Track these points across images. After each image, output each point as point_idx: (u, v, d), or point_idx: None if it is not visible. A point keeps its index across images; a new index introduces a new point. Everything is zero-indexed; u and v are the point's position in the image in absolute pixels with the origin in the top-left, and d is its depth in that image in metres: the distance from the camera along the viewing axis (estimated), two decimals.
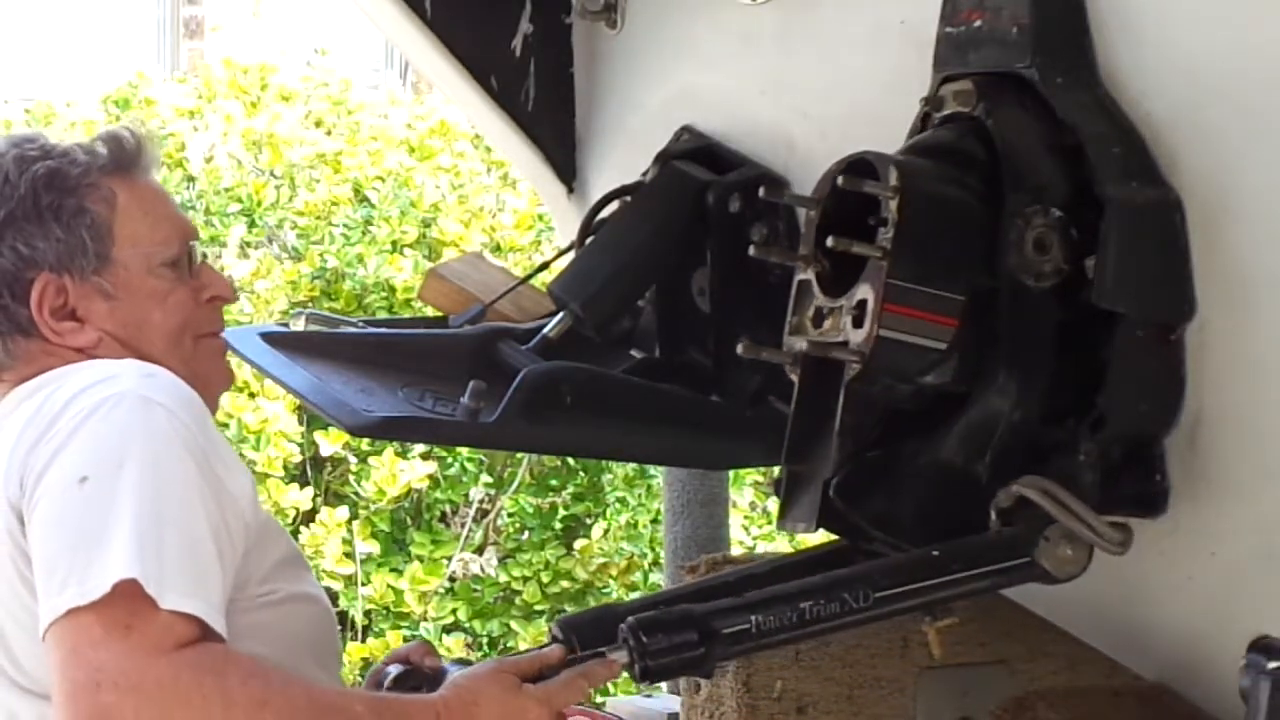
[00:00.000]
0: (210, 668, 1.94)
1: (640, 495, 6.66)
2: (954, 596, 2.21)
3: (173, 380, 2.15)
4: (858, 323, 2.21)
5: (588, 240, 3.08)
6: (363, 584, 6.34)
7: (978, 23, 2.35)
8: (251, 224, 7.52)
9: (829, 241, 2.22)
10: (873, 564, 2.23)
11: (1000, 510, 2.22)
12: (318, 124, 8.28)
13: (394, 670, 2.25)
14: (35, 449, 2.07)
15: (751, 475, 6.87)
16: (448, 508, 6.78)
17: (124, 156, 2.31)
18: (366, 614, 6.36)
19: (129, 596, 1.94)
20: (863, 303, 2.21)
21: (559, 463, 6.69)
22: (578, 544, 6.59)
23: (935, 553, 2.21)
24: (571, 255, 3.12)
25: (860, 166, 2.26)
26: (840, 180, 2.24)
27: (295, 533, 6.24)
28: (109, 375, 2.13)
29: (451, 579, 6.60)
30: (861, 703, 2.54)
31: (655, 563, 6.45)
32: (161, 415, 2.07)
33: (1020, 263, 2.21)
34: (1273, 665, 2.01)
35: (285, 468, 6.66)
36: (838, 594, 2.15)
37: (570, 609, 6.58)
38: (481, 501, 6.80)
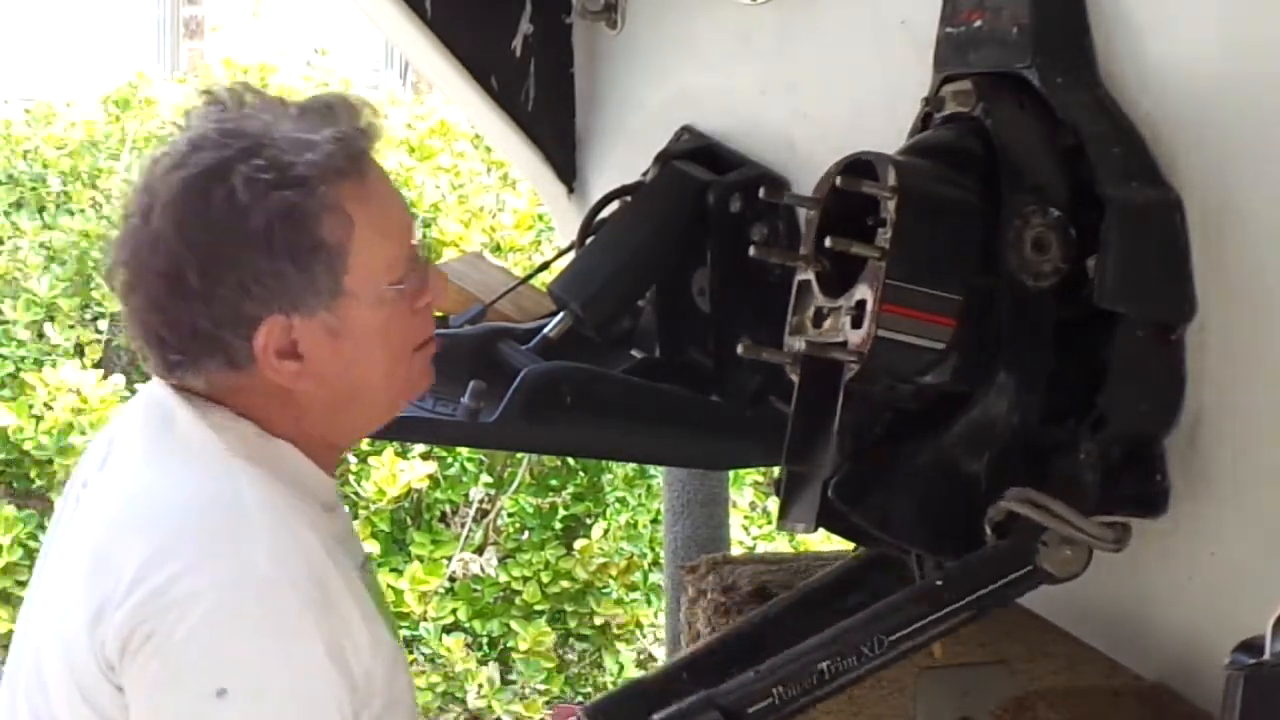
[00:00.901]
0: None
1: (640, 495, 6.66)
2: (967, 620, 2.22)
3: (297, 538, 1.98)
4: (856, 323, 2.21)
5: (588, 240, 3.08)
6: None
7: (978, 23, 2.35)
8: None
9: (828, 242, 2.22)
10: (879, 607, 2.23)
11: (994, 525, 2.23)
12: None
13: None
14: (142, 606, 1.93)
15: (751, 475, 6.87)
16: (448, 508, 6.79)
17: (356, 152, 2.04)
18: None
19: None
20: (861, 303, 2.21)
21: (559, 463, 6.69)
22: (578, 544, 6.60)
23: (938, 582, 2.22)
24: (571, 255, 3.12)
25: (859, 167, 2.26)
26: (839, 180, 2.24)
27: None
28: (229, 541, 1.96)
29: (451, 579, 6.61)
30: (861, 703, 2.54)
31: (655, 563, 6.46)
32: (294, 605, 1.93)
33: (1019, 263, 2.21)
34: (1249, 663, 2.00)
35: None
36: (853, 646, 2.17)
37: (570, 609, 6.59)
38: (481, 501, 6.80)
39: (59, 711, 2.00)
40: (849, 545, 2.47)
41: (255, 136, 2.00)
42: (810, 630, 2.25)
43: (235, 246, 1.97)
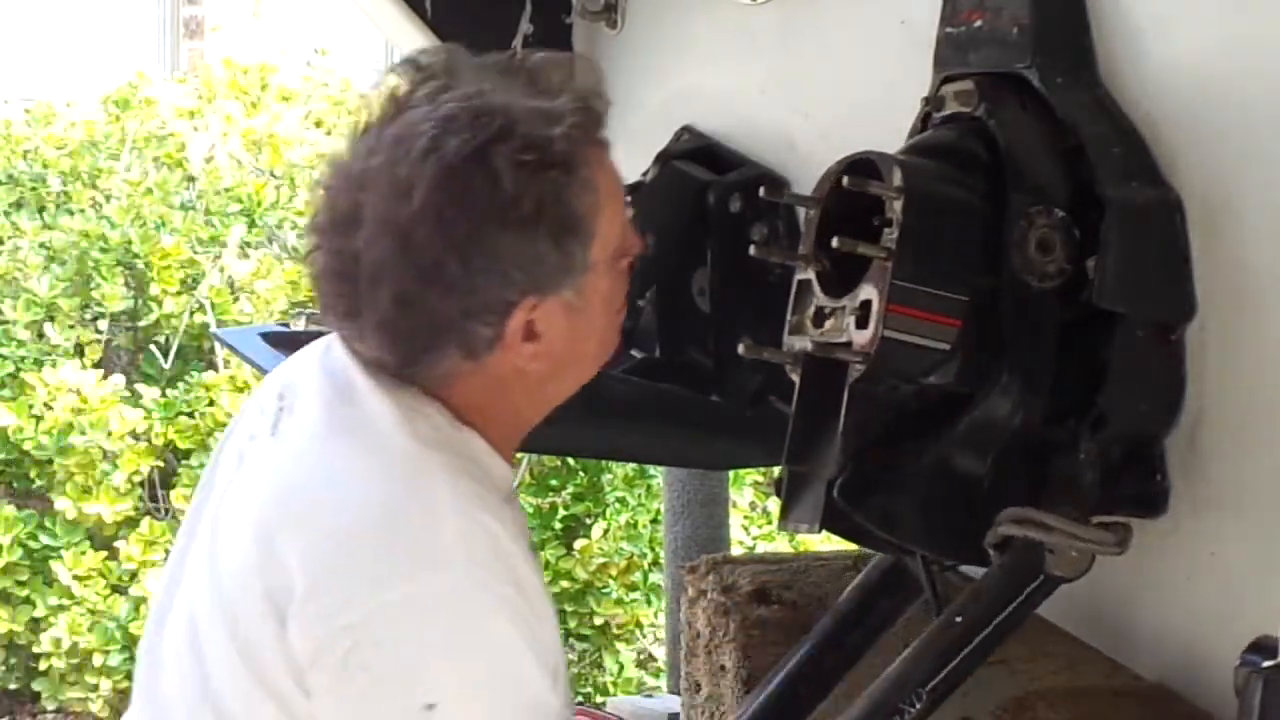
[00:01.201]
0: None
1: (640, 495, 6.66)
2: (996, 644, 2.22)
3: (490, 536, 1.90)
4: (861, 323, 2.21)
5: None
6: None
7: (978, 23, 2.35)
8: (251, 224, 7.53)
9: (834, 242, 2.22)
10: (905, 659, 2.23)
11: (995, 546, 2.23)
12: (318, 124, 8.28)
13: None
14: (333, 618, 1.85)
15: (751, 475, 6.87)
16: None
17: (596, 117, 1.95)
18: None
19: None
20: (866, 303, 2.20)
21: (559, 463, 6.69)
22: (578, 544, 6.60)
23: (958, 618, 2.22)
24: None
25: (862, 166, 2.26)
26: (845, 181, 2.24)
27: None
28: (423, 549, 1.88)
29: None
30: (850, 693, 2.54)
31: (655, 563, 6.46)
32: (495, 609, 1.86)
33: (1023, 263, 2.21)
34: (1266, 664, 2.01)
35: None
36: (893, 707, 2.18)
37: (570, 609, 6.59)
38: None
39: (215, 673, 1.93)
40: (849, 546, 2.47)
41: (503, 113, 1.89)
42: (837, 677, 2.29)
43: (500, 232, 1.88)
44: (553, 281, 1.92)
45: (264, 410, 2.04)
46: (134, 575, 6.65)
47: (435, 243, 1.88)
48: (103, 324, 7.19)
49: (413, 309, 1.90)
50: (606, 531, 6.60)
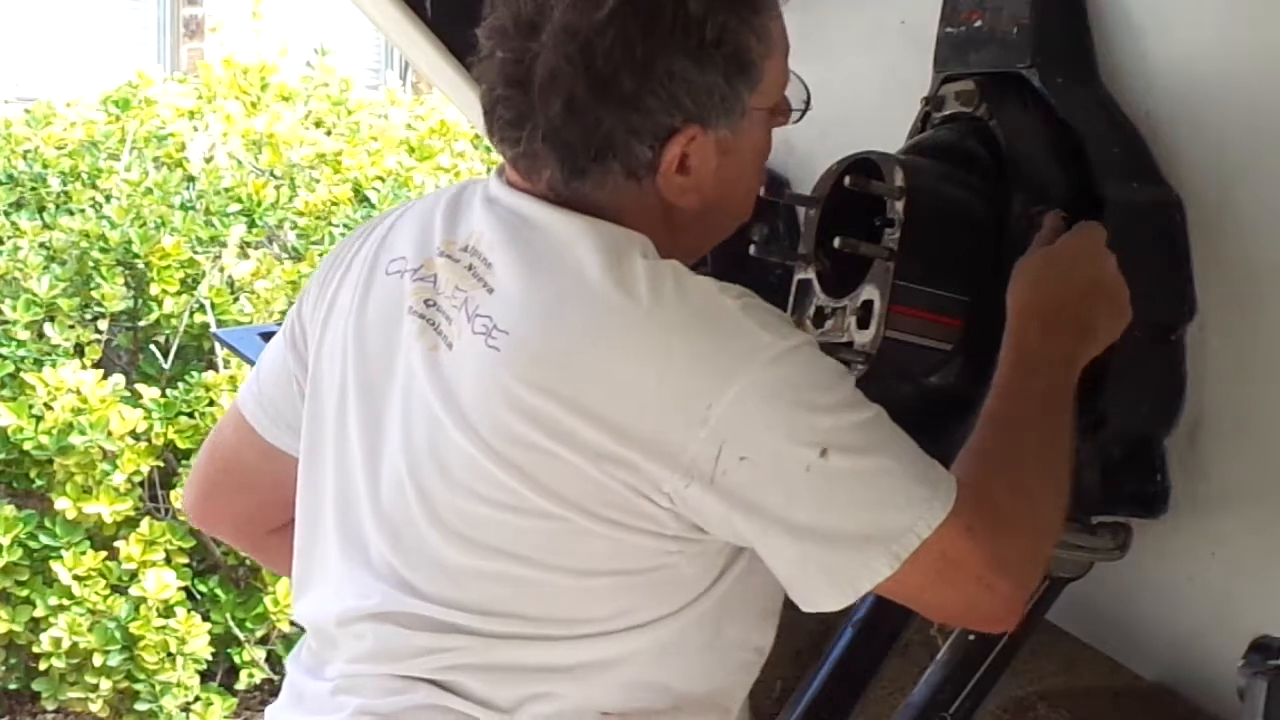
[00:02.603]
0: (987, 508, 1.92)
1: None
2: (1013, 655, 2.23)
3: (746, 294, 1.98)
4: (863, 324, 2.21)
5: None
6: None
7: (978, 23, 2.35)
8: (251, 224, 7.53)
9: (836, 242, 2.22)
10: (925, 684, 2.24)
11: None
12: (318, 124, 8.29)
13: None
14: (702, 419, 1.86)
15: None
16: None
17: None
18: None
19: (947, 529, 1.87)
20: (868, 303, 2.20)
21: None
22: None
23: (971, 636, 2.22)
24: None
25: (863, 166, 2.26)
26: (847, 181, 2.24)
27: None
28: (716, 322, 1.92)
29: None
30: (862, 702, 2.54)
31: None
32: (802, 342, 1.91)
33: None
34: (1270, 664, 2.01)
35: None
36: None
37: None
38: None
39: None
40: None
41: None
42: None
43: (677, 55, 1.93)
44: (715, 115, 1.96)
45: (438, 263, 2.02)
46: (134, 575, 6.64)
47: (614, 54, 1.92)
48: (103, 324, 7.18)
49: (581, 119, 1.94)
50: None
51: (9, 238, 7.36)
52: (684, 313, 1.92)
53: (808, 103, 2.13)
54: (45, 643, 6.58)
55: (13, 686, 6.88)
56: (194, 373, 6.98)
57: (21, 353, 6.93)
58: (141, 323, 7.25)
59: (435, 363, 1.98)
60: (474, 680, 1.96)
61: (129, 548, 6.65)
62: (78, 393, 6.67)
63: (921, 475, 1.90)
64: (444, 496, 1.95)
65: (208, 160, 7.82)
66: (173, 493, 6.76)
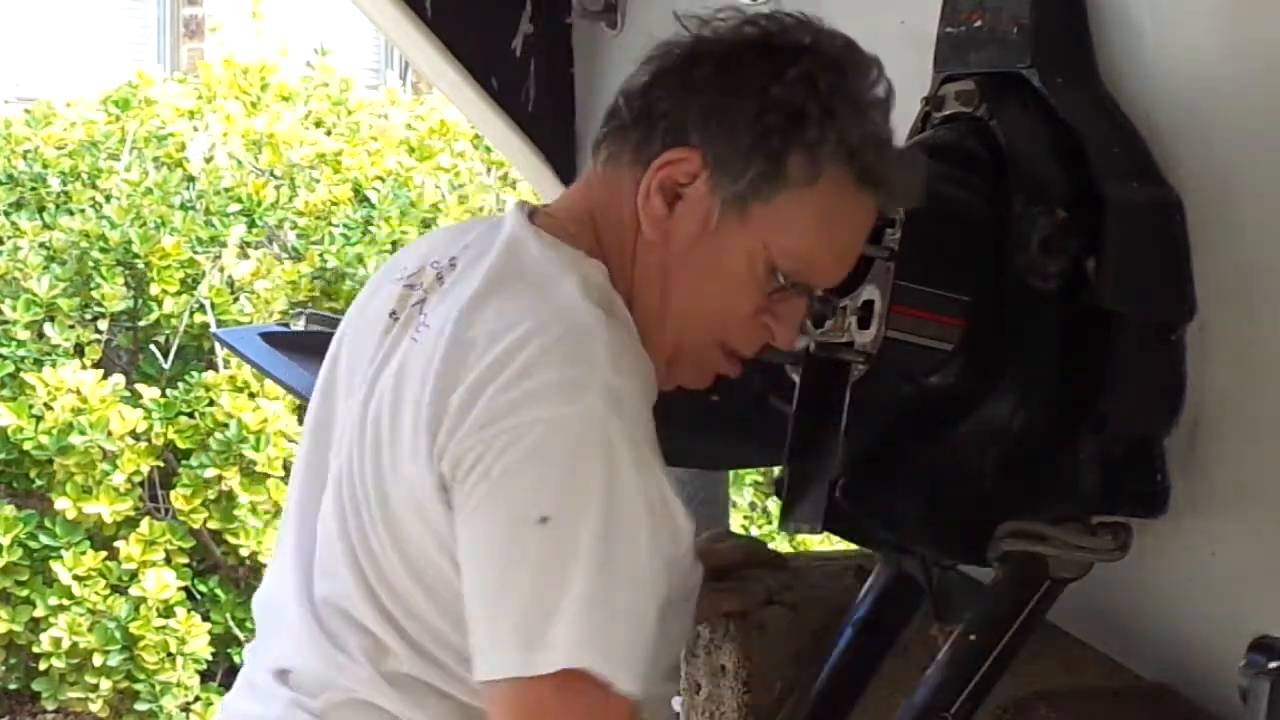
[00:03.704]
0: None
1: None
2: (1013, 656, 2.23)
3: (641, 378, 1.96)
4: (864, 324, 2.21)
5: None
6: None
7: (978, 23, 2.35)
8: (251, 224, 7.53)
9: None
10: (925, 685, 2.23)
11: (998, 559, 2.23)
12: (318, 124, 8.29)
13: None
14: (482, 424, 1.89)
15: (751, 475, 6.87)
16: None
17: (883, 172, 2.02)
18: None
19: (578, 677, 1.86)
20: (869, 304, 2.20)
21: None
22: None
23: (972, 636, 2.23)
24: None
25: None
26: None
27: None
28: (579, 362, 1.91)
29: None
30: (862, 702, 2.54)
31: None
32: (626, 449, 1.89)
33: (1026, 263, 2.21)
34: (1273, 665, 2.01)
35: (285, 467, 6.66)
36: None
37: None
38: None
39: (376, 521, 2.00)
40: (850, 546, 2.47)
41: (838, 56, 2.03)
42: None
43: (740, 96, 1.97)
44: (724, 170, 1.98)
45: (435, 264, 2.08)
46: (134, 575, 6.65)
47: (708, 54, 2.01)
48: (103, 324, 7.19)
49: (661, 85, 2.03)
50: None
51: (9, 238, 7.37)
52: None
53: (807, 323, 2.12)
54: (45, 643, 6.59)
55: (13, 686, 6.88)
56: (194, 373, 6.99)
57: (21, 353, 6.94)
58: (141, 323, 7.26)
59: (394, 356, 2.04)
60: (400, 688, 2.00)
61: (129, 548, 6.65)
62: (78, 393, 6.67)
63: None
64: (376, 509, 2.01)
65: (208, 160, 7.83)
66: (173, 493, 6.76)
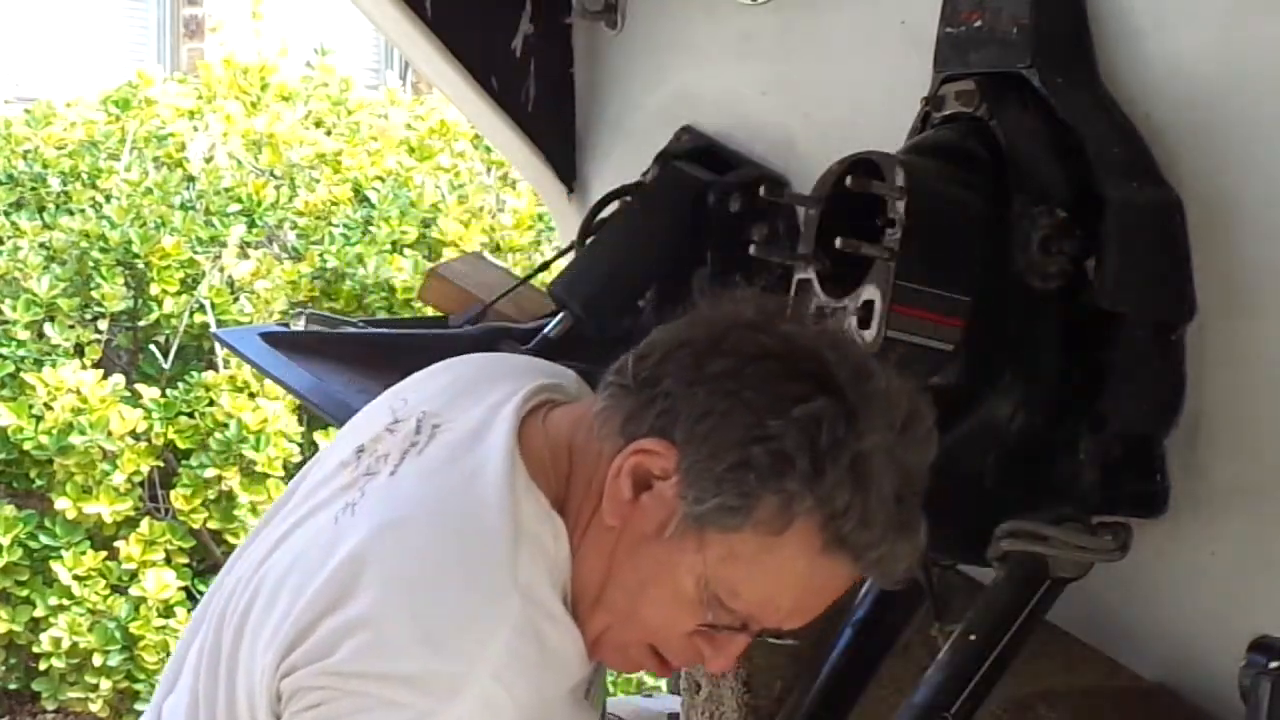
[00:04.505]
0: None
1: None
2: (1014, 656, 2.23)
3: (531, 685, 1.82)
4: (864, 324, 2.21)
5: (588, 240, 3.08)
6: None
7: (978, 23, 2.35)
8: (251, 224, 7.53)
9: (838, 243, 2.21)
10: (925, 684, 2.23)
11: (998, 559, 2.23)
12: (318, 124, 8.29)
13: None
14: (333, 672, 1.79)
15: None
16: None
17: (868, 548, 1.87)
18: None
19: None
20: (869, 304, 2.20)
21: None
22: None
23: (972, 636, 2.22)
24: (571, 255, 3.12)
25: (864, 166, 2.26)
26: (849, 181, 2.24)
27: None
28: (465, 651, 1.79)
29: None
30: (862, 702, 2.54)
31: None
32: None
33: (1026, 264, 2.21)
34: (1273, 665, 2.01)
35: (285, 468, 6.67)
36: None
37: None
38: None
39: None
40: None
41: (856, 405, 1.86)
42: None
43: (749, 407, 1.84)
44: (691, 489, 1.84)
45: (407, 423, 2.00)
46: (134, 575, 6.65)
47: (704, 340, 1.89)
48: (103, 324, 7.19)
49: (658, 362, 1.91)
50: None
51: (9, 238, 7.37)
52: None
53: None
54: (45, 643, 6.59)
55: (13, 686, 6.88)
56: (194, 373, 6.99)
57: (21, 353, 6.94)
58: (141, 323, 7.26)
59: (321, 514, 1.95)
60: None
61: (129, 548, 6.65)
62: (78, 393, 6.67)
63: None
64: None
65: (208, 160, 7.82)
66: (173, 493, 6.76)
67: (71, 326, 7.10)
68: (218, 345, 6.92)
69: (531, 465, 1.91)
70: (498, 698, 1.79)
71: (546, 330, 3.00)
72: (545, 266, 3.54)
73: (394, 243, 7.38)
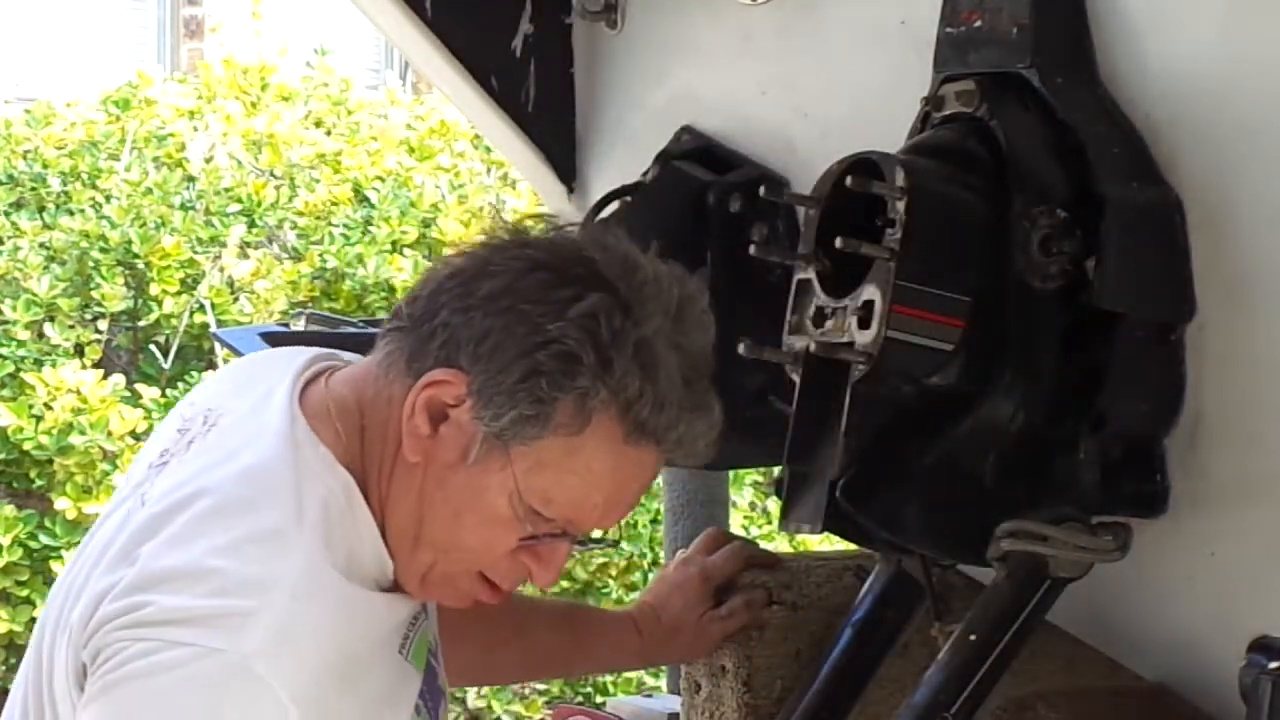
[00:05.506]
0: None
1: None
2: (1014, 656, 2.23)
3: (327, 622, 1.84)
4: (864, 324, 2.21)
5: None
6: None
7: (978, 23, 2.35)
8: (251, 224, 7.54)
9: (838, 243, 2.21)
10: (925, 684, 2.24)
11: (998, 559, 2.23)
12: (318, 124, 8.29)
13: None
14: (120, 624, 1.82)
15: (751, 475, 6.87)
16: None
17: (663, 428, 1.91)
18: None
19: None
20: (869, 304, 2.20)
21: None
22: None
23: (972, 636, 2.23)
24: None
25: (864, 166, 2.26)
26: (849, 181, 2.24)
27: None
28: (253, 585, 1.82)
29: None
30: (862, 702, 2.54)
31: (655, 563, 6.46)
32: (269, 710, 1.79)
33: (1026, 264, 2.21)
34: (1273, 665, 2.01)
35: None
36: None
37: None
38: None
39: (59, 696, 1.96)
40: (850, 546, 2.47)
41: (630, 296, 1.89)
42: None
43: (526, 318, 1.87)
44: (486, 409, 1.87)
45: (195, 420, 2.04)
46: None
47: (500, 268, 1.92)
48: (103, 324, 7.19)
49: (428, 296, 1.94)
50: (606, 531, 6.60)
51: (9, 238, 7.37)
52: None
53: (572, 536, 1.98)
54: None
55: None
56: (194, 373, 6.99)
57: (21, 353, 6.94)
58: (141, 323, 7.26)
59: (130, 501, 1.99)
60: None
61: None
62: (78, 393, 6.68)
63: None
64: None
65: (208, 160, 7.83)
66: None
67: (71, 326, 7.10)
68: (218, 345, 6.92)
69: (314, 421, 1.94)
70: (292, 635, 1.82)
71: None
72: None
73: (394, 243, 7.38)
